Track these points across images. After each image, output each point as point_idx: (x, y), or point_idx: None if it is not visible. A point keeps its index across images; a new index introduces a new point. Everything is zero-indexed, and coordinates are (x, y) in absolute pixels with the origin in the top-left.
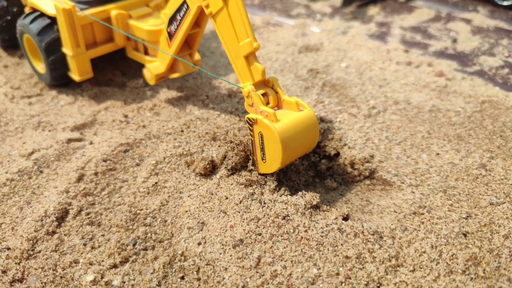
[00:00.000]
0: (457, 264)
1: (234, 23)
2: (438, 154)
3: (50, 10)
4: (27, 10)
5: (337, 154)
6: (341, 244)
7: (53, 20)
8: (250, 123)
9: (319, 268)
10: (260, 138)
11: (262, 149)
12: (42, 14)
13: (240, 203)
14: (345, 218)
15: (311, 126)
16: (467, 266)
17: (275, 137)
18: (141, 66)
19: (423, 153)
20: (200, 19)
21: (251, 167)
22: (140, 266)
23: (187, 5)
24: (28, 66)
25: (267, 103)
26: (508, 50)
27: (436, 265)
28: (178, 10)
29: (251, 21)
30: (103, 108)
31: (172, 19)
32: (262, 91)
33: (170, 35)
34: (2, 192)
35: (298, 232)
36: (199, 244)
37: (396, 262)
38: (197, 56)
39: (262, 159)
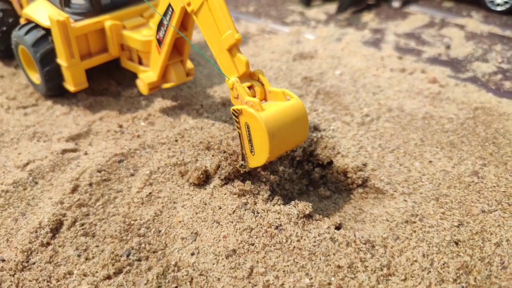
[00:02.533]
0: (449, 272)
1: (215, 17)
2: (430, 161)
3: (45, 22)
4: (22, 21)
5: (331, 163)
6: (333, 254)
7: (47, 31)
8: (236, 114)
9: (311, 278)
10: (246, 129)
11: (250, 140)
12: (37, 26)
13: (233, 213)
14: (338, 227)
15: (299, 115)
16: (458, 274)
17: (260, 126)
18: (136, 75)
19: (416, 161)
20: (185, 21)
21: (241, 162)
22: (134, 277)
23: (172, 8)
24: (24, 77)
25: (254, 96)
26: (501, 56)
27: (428, 274)
28: (164, 15)
29: (246, 29)
30: (98, 118)
31: (159, 25)
32: (248, 84)
33: (159, 42)
34: None
35: (291, 242)
36: (192, 254)
37: (388, 271)
38: (190, 65)
39: (251, 152)
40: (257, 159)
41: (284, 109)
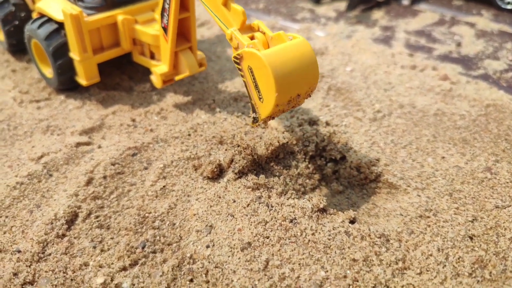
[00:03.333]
0: (464, 267)
1: None
2: (443, 157)
3: (58, 16)
4: (34, 15)
5: (343, 158)
6: (348, 247)
7: (60, 25)
8: (238, 61)
9: (327, 271)
10: (250, 73)
11: (256, 86)
12: (50, 19)
13: (247, 206)
14: (352, 221)
15: (304, 53)
16: (473, 269)
17: (262, 63)
18: (148, 70)
19: (428, 157)
20: (185, 1)
21: (253, 115)
22: (149, 269)
23: None
24: (36, 71)
25: None
26: None
27: (443, 268)
28: None
29: None
30: (110, 112)
31: (162, 12)
32: (249, 35)
33: (165, 29)
34: (13, 196)
35: (306, 235)
36: (207, 247)
37: (403, 265)
38: (201, 55)
39: (260, 99)
40: (267, 104)
41: (287, 46)
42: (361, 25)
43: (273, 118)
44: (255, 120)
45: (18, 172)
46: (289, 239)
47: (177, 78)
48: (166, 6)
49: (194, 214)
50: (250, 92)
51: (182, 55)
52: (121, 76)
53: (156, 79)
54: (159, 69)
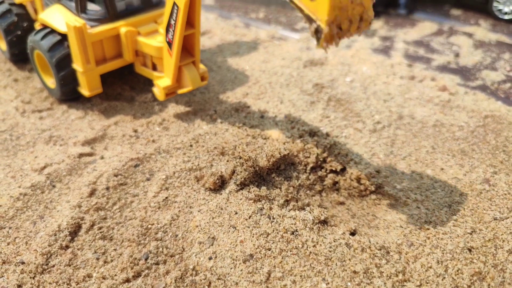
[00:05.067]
0: (463, 279)
1: None
2: (442, 169)
3: (61, 27)
4: (37, 26)
5: (344, 169)
6: (349, 259)
7: (63, 36)
8: None
9: (328, 283)
10: None
11: None
12: (53, 31)
13: (249, 218)
14: (352, 233)
15: None
16: (472, 281)
17: None
18: (150, 81)
19: (427, 168)
20: (191, 18)
21: (313, 29)
22: (153, 281)
23: (176, 6)
24: (38, 80)
25: None
26: (510, 64)
27: (442, 280)
28: (171, 15)
29: (256, 35)
30: (113, 122)
31: (168, 27)
32: None
33: (170, 44)
34: (16, 207)
35: (307, 247)
36: (210, 258)
37: (403, 277)
38: (203, 68)
39: None
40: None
41: None
42: (361, 35)
43: (339, 37)
44: (317, 34)
45: (21, 183)
46: (290, 251)
47: (179, 91)
48: (172, 22)
49: (197, 226)
50: (298, 2)
51: (185, 69)
52: (123, 86)
53: (159, 92)
54: (162, 82)
